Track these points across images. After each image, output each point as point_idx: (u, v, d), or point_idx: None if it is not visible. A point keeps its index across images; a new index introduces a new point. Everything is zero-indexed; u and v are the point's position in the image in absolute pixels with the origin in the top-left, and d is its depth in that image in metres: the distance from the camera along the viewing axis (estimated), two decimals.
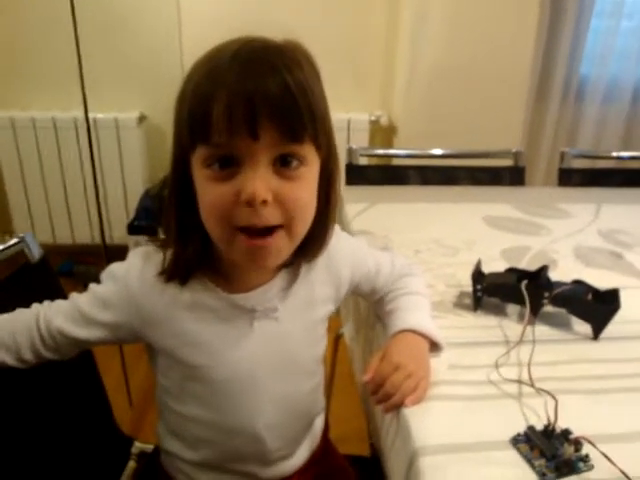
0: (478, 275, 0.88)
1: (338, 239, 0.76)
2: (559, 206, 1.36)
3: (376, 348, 0.86)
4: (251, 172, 0.58)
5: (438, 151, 1.51)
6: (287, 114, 0.57)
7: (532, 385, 0.70)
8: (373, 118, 2.45)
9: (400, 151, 1.53)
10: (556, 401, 0.66)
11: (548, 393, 0.68)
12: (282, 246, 0.63)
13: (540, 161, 2.39)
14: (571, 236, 1.19)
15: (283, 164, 0.60)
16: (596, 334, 0.82)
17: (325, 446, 0.91)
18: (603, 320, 0.81)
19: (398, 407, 0.69)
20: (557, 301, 0.83)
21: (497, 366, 0.75)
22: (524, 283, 0.83)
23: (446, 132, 2.42)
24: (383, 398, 0.70)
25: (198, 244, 0.64)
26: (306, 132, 0.59)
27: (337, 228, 0.76)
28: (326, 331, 0.80)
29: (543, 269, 0.86)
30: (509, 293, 0.85)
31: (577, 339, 0.82)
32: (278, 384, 0.74)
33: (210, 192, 0.59)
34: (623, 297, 0.81)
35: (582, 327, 0.84)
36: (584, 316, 0.83)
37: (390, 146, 2.55)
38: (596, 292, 0.84)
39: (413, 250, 1.08)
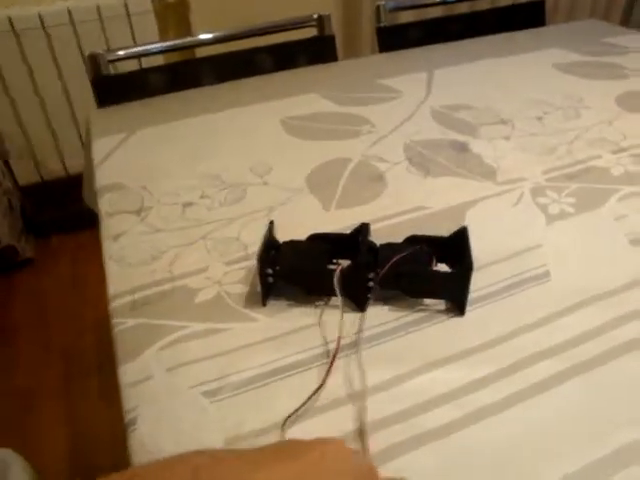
0: (269, 250, 0.55)
1: None
2: (382, 82, 1.04)
3: None
4: None
5: (207, 35, 1.10)
6: None
7: None
8: None
9: (154, 45, 1.10)
10: None
11: None
12: None
13: (363, 27, 2.02)
14: (400, 128, 0.88)
15: None
16: (461, 310, 0.53)
17: None
18: (460, 291, 0.52)
19: None
20: (389, 282, 0.53)
21: (283, 428, 0.44)
22: (338, 270, 0.51)
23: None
24: None
25: None
26: None
27: None
28: None
29: (362, 230, 0.55)
30: (315, 282, 0.54)
31: (431, 326, 0.54)
32: None
33: None
34: (476, 220, 0.56)
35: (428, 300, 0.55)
36: (434, 294, 0.54)
37: (187, 25, 2.07)
38: (439, 243, 0.55)
39: (181, 204, 0.72)
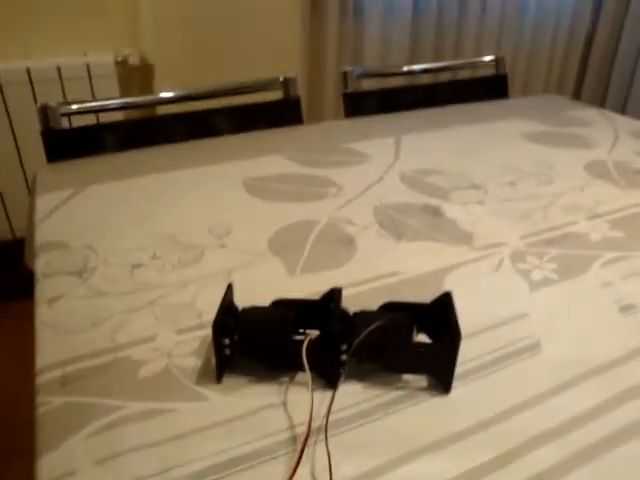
0: (226, 317, 0.48)
1: None
2: (349, 147, 1.01)
3: None
4: None
5: (168, 94, 1.06)
6: None
7: None
8: (120, 58, 1.92)
9: (110, 101, 1.05)
10: None
11: None
12: None
13: (327, 92, 2.05)
14: (369, 191, 0.84)
15: None
16: (447, 387, 0.47)
17: None
18: (446, 365, 0.46)
19: None
20: (364, 355, 0.46)
21: None
22: (307, 341, 0.44)
23: (215, 65, 1.99)
24: None
25: None
26: None
27: None
28: None
29: (333, 295, 0.49)
30: (280, 355, 0.47)
31: (412, 406, 0.47)
32: None
33: None
34: (456, 287, 0.49)
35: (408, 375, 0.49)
36: (416, 369, 0.47)
37: (151, 91, 2.05)
38: (419, 311, 0.49)
39: (129, 265, 0.64)
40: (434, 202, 0.80)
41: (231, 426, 0.44)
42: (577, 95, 2.54)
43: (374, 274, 0.63)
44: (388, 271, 0.64)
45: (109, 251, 0.67)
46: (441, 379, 0.47)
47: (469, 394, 0.47)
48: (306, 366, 0.44)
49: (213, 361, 0.49)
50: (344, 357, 0.45)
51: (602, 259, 0.68)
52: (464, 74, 1.50)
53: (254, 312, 0.49)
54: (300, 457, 0.39)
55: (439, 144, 1.03)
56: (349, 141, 1.03)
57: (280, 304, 0.50)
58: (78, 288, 0.60)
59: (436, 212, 0.77)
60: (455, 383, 0.47)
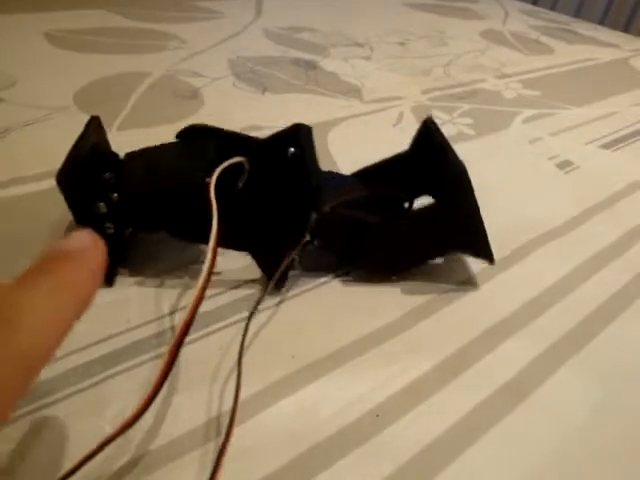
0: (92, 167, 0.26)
1: None
2: (197, 4, 0.78)
3: None
4: None
5: None
6: None
7: None
8: None
9: None
10: None
11: None
12: None
13: None
14: (223, 45, 0.63)
15: None
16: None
17: None
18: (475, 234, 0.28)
19: None
20: (333, 236, 0.26)
21: None
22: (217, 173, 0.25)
23: None
24: None
25: None
26: None
27: None
28: None
29: (300, 134, 0.28)
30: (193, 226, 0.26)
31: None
32: None
33: None
34: (344, 142, 0.39)
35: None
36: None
37: None
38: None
39: None
40: (308, 57, 0.61)
41: None
42: None
43: (226, 127, 0.43)
44: (247, 124, 0.44)
45: None
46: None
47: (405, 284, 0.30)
48: (213, 206, 0.23)
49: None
50: (307, 238, 0.25)
51: (523, 115, 0.53)
52: None
53: (152, 154, 0.27)
54: (169, 368, 0.18)
55: (309, 6, 0.83)
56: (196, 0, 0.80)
57: (195, 134, 0.29)
58: None
59: (311, 65, 0.58)
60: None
